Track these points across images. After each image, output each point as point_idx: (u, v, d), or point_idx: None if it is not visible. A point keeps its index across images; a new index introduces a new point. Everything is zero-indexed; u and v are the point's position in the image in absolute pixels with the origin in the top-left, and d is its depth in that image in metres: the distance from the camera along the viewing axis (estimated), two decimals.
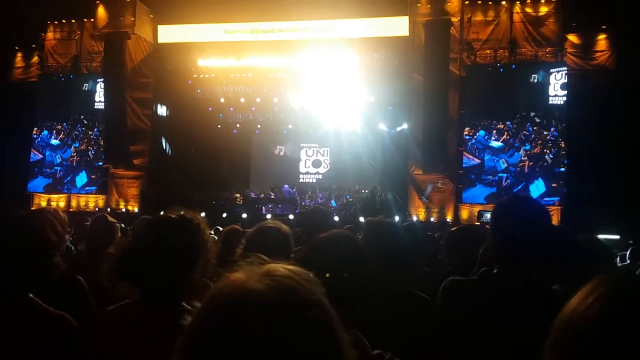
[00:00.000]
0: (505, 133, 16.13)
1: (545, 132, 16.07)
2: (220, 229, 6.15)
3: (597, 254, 2.55)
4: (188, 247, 1.84)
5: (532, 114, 16.18)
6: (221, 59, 18.23)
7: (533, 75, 16.38)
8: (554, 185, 15.83)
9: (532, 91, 16.30)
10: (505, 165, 16.13)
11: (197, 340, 0.78)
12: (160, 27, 18.64)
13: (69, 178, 18.26)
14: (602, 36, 17.23)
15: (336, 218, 12.21)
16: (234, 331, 0.75)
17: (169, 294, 1.79)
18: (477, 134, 16.37)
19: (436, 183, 16.79)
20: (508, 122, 16.11)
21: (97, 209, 17.15)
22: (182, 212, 1.95)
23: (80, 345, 1.81)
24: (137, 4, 17.81)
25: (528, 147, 16.09)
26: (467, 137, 16.48)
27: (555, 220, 15.09)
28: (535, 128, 16.08)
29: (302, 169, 19.80)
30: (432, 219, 16.27)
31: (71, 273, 2.78)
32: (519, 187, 15.84)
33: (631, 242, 8.93)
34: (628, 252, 6.36)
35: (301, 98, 18.05)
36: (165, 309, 1.74)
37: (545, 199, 15.49)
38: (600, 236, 14.16)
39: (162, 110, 19.16)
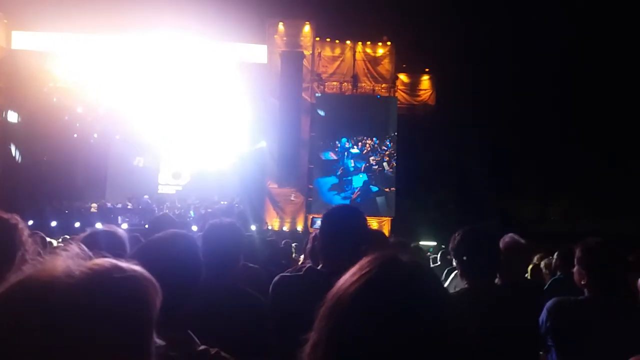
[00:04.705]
0: (368, 145, 17.65)
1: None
2: (68, 237, 5.55)
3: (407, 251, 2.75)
4: (3, 245, 1.60)
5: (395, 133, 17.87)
6: (79, 68, 16.71)
7: None
8: (386, 189, 17.57)
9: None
10: (352, 164, 17.70)
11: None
12: (15, 33, 16.60)
13: None
14: (425, 77, 19.13)
15: (195, 228, 11.73)
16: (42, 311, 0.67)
17: None
18: (341, 141, 17.78)
19: (289, 196, 17.15)
20: (374, 138, 17.69)
21: None
22: None
23: None
24: None
25: (375, 155, 17.74)
26: (337, 143, 17.80)
27: (386, 230, 16.29)
28: (392, 144, 17.63)
29: (161, 180, 18.81)
30: (284, 228, 16.51)
31: None
32: (348, 177, 17.72)
33: (443, 246, 9.88)
34: (439, 255, 6.98)
35: (163, 112, 17.24)
36: None
37: (372, 187, 17.58)
38: (422, 243, 15.45)
39: (12, 117, 16.97)
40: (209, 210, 15.70)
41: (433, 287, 0.77)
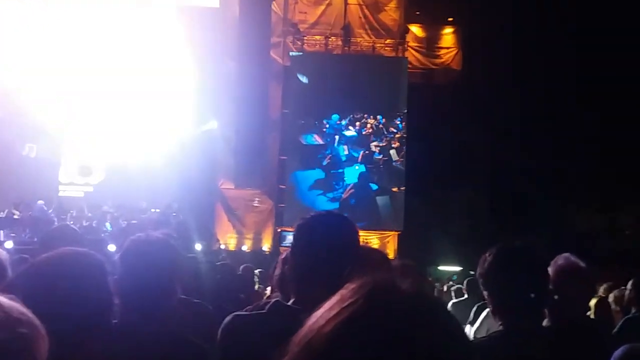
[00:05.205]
0: (369, 125, 17.87)
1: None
2: None
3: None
4: None
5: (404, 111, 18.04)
6: None
7: None
8: (393, 189, 17.80)
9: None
10: (346, 152, 17.96)
11: None
12: None
13: None
14: (448, 30, 19.19)
15: (112, 247, 11.66)
16: None
17: None
18: (332, 118, 17.90)
19: (251, 201, 17.11)
20: (379, 115, 17.89)
21: None
22: None
23: None
24: None
25: (379, 140, 18.04)
26: (325, 122, 18.00)
27: (391, 248, 16.37)
28: (404, 125, 17.92)
29: (63, 177, 18.57)
30: (244, 248, 16.48)
31: None
32: (339, 169, 17.93)
33: (472, 272, 9.94)
34: (465, 284, 7.02)
35: (67, 79, 17.05)
36: None
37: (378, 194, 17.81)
38: (441, 267, 15.56)
39: None
40: (133, 221, 15.61)
41: (445, 328, 0.77)
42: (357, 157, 17.84)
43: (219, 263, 6.16)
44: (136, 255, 2.19)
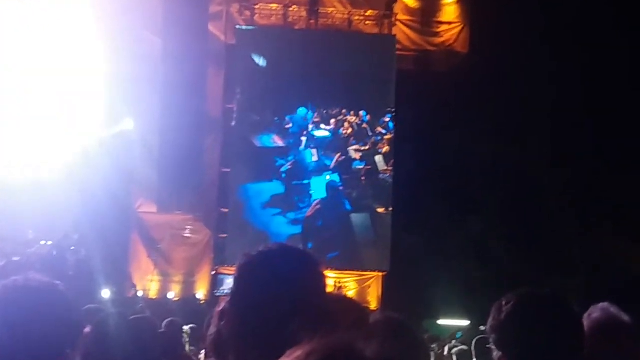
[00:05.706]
0: (348, 123, 18.28)
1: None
2: None
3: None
4: None
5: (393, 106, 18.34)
6: None
7: None
8: (378, 209, 18.08)
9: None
10: (315, 157, 18.25)
11: None
12: None
13: None
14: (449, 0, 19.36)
15: None
16: None
17: None
18: (297, 113, 18.24)
19: (181, 230, 17.05)
20: (362, 112, 18.28)
21: None
22: None
23: None
24: None
25: (361, 143, 18.41)
26: (288, 118, 18.36)
27: (373, 295, 16.37)
28: (395, 124, 18.35)
29: None
30: (170, 295, 16.39)
31: None
32: (304, 180, 18.22)
33: (482, 328, 9.96)
34: (473, 345, 7.03)
35: None
36: None
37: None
38: (442, 321, 15.68)
39: None
40: (15, 258, 15.45)
41: None
42: (329, 165, 17.96)
43: (134, 317, 6.05)
44: (10, 308, 2.20)
